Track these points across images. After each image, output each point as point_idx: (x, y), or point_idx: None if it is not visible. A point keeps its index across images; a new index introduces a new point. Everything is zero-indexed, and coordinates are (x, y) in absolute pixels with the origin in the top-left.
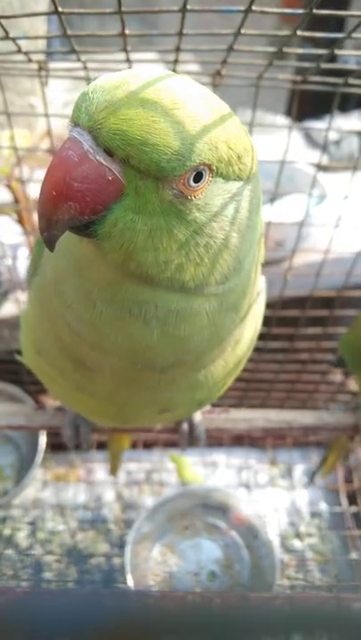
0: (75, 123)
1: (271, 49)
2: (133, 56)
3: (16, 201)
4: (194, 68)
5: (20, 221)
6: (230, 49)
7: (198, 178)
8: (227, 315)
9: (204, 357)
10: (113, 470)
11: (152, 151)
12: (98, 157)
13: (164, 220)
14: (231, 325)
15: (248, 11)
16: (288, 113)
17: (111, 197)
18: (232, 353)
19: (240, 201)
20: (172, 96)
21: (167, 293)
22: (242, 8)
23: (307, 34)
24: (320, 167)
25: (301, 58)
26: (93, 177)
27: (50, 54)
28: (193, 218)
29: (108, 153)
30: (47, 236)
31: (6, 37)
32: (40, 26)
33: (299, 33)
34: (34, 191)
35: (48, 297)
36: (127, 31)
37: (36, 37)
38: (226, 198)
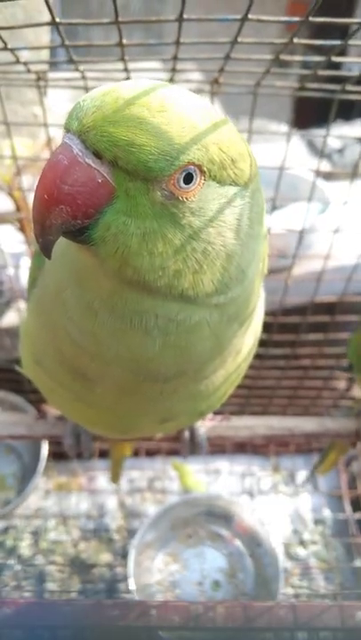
0: (67, 129)
1: (269, 57)
2: (136, 65)
3: (18, 209)
4: (196, 76)
5: (22, 230)
6: (227, 57)
7: (189, 179)
8: (229, 326)
9: (206, 368)
10: (114, 477)
11: (139, 151)
12: (87, 160)
13: (157, 223)
14: (233, 336)
15: (244, 19)
16: (293, 123)
17: (102, 200)
18: (233, 362)
19: (239, 207)
20: (161, 100)
21: (167, 302)
22: (238, 17)
23: (304, 41)
24: (321, 174)
25: (304, 66)
26: (83, 180)
27: (55, 64)
28: (187, 222)
29: (97, 156)
30: (42, 242)
31: (5, 48)
32: (44, 36)
33: (296, 40)
34: None
35: (48, 308)
36: (125, 41)
37: (34, 48)
38: (222, 203)
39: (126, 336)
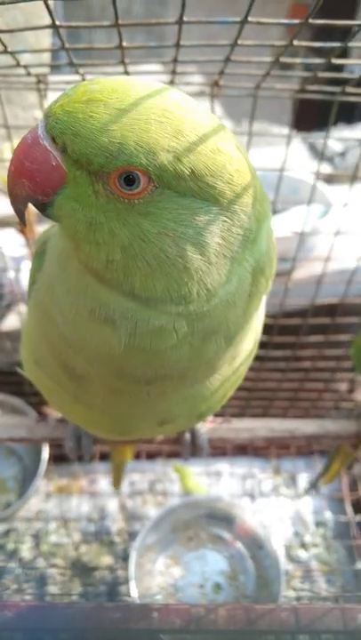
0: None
1: (269, 59)
2: (137, 68)
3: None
4: (197, 79)
5: (23, 233)
6: (227, 59)
7: (131, 181)
8: (207, 339)
9: (193, 374)
10: (116, 483)
11: (81, 142)
12: (45, 142)
13: (103, 216)
14: (219, 350)
15: (244, 22)
16: (293, 125)
17: (56, 182)
18: (229, 367)
19: (206, 224)
20: (123, 98)
21: (123, 299)
22: (238, 19)
23: (303, 43)
24: (322, 177)
25: (306, 68)
26: (40, 160)
27: (56, 67)
28: (136, 222)
29: (54, 140)
30: (15, 210)
31: (5, 51)
32: (45, 40)
33: (296, 42)
34: None
35: (43, 303)
36: (126, 43)
37: (34, 51)
38: (182, 215)
39: (95, 328)
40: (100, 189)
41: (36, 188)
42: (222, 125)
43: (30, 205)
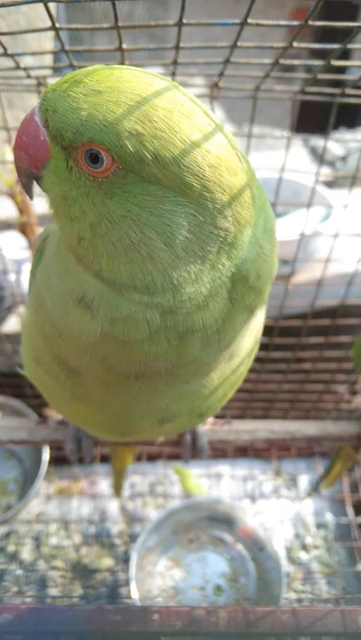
0: None
1: (269, 61)
2: None
3: (20, 213)
4: (199, 81)
5: (24, 234)
6: (227, 61)
7: (95, 159)
8: (187, 339)
9: (181, 373)
10: (117, 489)
11: (56, 118)
12: (37, 118)
13: (75, 191)
14: (207, 349)
15: (244, 23)
16: (295, 128)
17: (43, 156)
18: (227, 365)
19: (171, 214)
20: (102, 81)
21: (95, 280)
22: (237, 21)
23: (303, 45)
24: (323, 181)
25: (308, 70)
26: (33, 134)
27: (57, 70)
28: (102, 201)
29: (43, 117)
30: (21, 183)
31: (5, 54)
32: (47, 44)
33: (295, 44)
34: (38, 205)
35: (40, 293)
36: (126, 46)
37: (34, 53)
38: (147, 200)
39: (75, 311)
40: (72, 165)
41: (30, 160)
42: (213, 121)
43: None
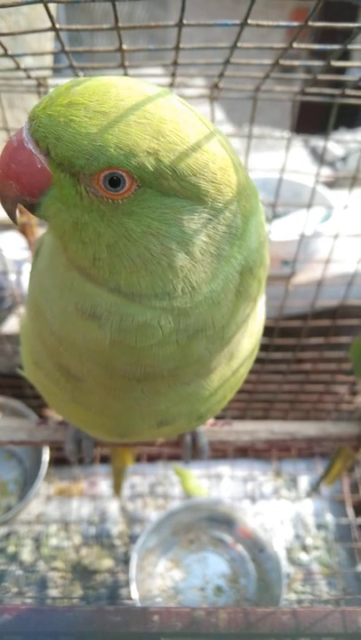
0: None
1: (269, 62)
2: (138, 71)
3: (20, 213)
4: (199, 82)
5: (24, 234)
6: (227, 62)
7: (116, 182)
8: (195, 337)
9: (184, 373)
10: (116, 489)
11: (63, 146)
12: (29, 146)
13: (88, 216)
14: (210, 347)
15: (243, 24)
16: (295, 129)
17: (42, 184)
18: (227, 366)
19: (190, 222)
20: (104, 100)
21: (108, 294)
22: (237, 22)
23: (303, 46)
24: (324, 181)
25: (309, 71)
26: (26, 162)
27: (57, 71)
28: (120, 222)
29: (38, 144)
30: (5, 210)
31: (5, 54)
32: (47, 44)
33: (295, 45)
34: None
35: (36, 300)
36: (126, 47)
37: (34, 54)
38: (166, 214)
39: (81, 323)
40: (83, 191)
41: (22, 189)
42: (205, 121)
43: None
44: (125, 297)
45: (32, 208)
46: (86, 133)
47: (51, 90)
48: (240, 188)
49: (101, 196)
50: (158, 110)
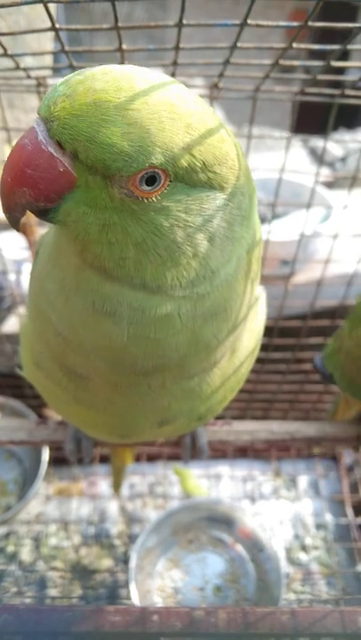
0: (38, 113)
1: (268, 62)
2: None
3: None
4: (198, 82)
5: (24, 234)
6: (227, 62)
7: (152, 181)
8: (207, 322)
9: (191, 363)
10: (116, 487)
11: (98, 149)
12: (49, 149)
13: (117, 216)
14: (218, 334)
15: (243, 24)
16: (294, 129)
17: (63, 188)
18: (229, 363)
19: (212, 210)
20: (131, 96)
21: (130, 290)
22: (237, 22)
23: (302, 46)
24: (323, 182)
25: (308, 71)
26: (45, 166)
27: (57, 71)
28: (150, 219)
29: (60, 145)
30: (9, 218)
31: (5, 54)
32: (48, 44)
33: (295, 45)
34: None
35: (37, 303)
36: (126, 46)
37: (34, 54)
38: (191, 205)
39: (94, 321)
40: (114, 192)
41: (38, 195)
42: (206, 104)
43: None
44: (149, 291)
45: (44, 213)
46: (122, 133)
47: (54, 86)
48: (246, 170)
49: (136, 196)
50: (183, 103)
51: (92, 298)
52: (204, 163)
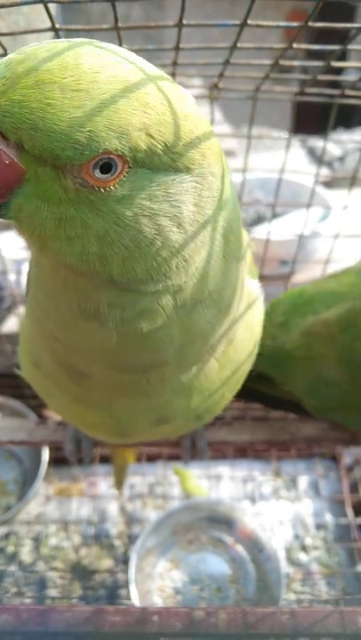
0: None
1: (269, 62)
2: None
3: None
4: (197, 82)
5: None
6: (227, 62)
7: (107, 168)
8: (194, 311)
9: (189, 353)
10: (118, 484)
11: (43, 137)
12: None
13: (74, 209)
14: (211, 319)
15: (243, 24)
16: (293, 129)
17: (11, 182)
18: (225, 354)
19: (179, 194)
20: (79, 75)
21: (103, 287)
22: (237, 22)
23: (303, 46)
24: (322, 182)
25: (306, 71)
26: None
27: None
28: (111, 209)
29: (3, 135)
30: None
31: (5, 54)
32: None
33: (295, 45)
34: None
35: (33, 307)
36: (125, 46)
37: None
38: (156, 191)
39: (84, 325)
40: (68, 183)
41: None
42: (168, 77)
43: None
44: (122, 288)
45: None
46: (70, 118)
47: None
48: (217, 148)
49: (91, 186)
50: (137, 77)
51: (76, 300)
52: (165, 144)
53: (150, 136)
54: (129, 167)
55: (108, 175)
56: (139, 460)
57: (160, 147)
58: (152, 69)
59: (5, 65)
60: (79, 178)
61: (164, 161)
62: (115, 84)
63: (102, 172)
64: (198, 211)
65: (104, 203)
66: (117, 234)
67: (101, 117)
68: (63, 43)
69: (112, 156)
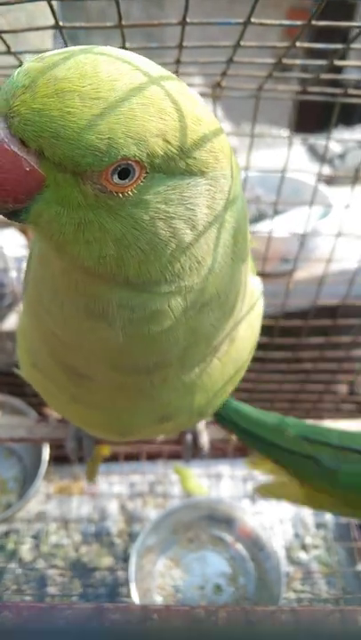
0: None
1: (272, 61)
2: None
3: None
4: (198, 80)
5: (24, 232)
6: (230, 61)
7: (125, 174)
8: (201, 313)
9: (192, 354)
10: (90, 475)
11: (64, 145)
12: (12, 147)
13: (93, 214)
14: (215, 322)
15: (247, 23)
16: (294, 127)
17: (32, 188)
18: (227, 353)
19: (193, 197)
20: (97, 83)
21: (115, 289)
22: (241, 20)
23: (306, 45)
24: (323, 179)
25: (305, 70)
26: (9, 167)
27: None
28: (128, 213)
29: (24, 143)
30: None
31: (8, 52)
32: (48, 40)
33: (298, 44)
34: None
35: (34, 307)
36: (128, 45)
37: (36, 52)
38: (171, 195)
39: (89, 325)
40: (87, 189)
41: (5, 197)
42: (178, 79)
43: None
44: (135, 289)
45: (14, 215)
46: (90, 126)
47: (12, 76)
48: (228, 150)
49: (110, 191)
50: (153, 84)
51: (84, 301)
52: (181, 149)
53: (167, 142)
54: (146, 172)
55: (126, 181)
56: (139, 458)
57: (176, 152)
58: (164, 73)
59: (24, 73)
60: (98, 184)
61: (179, 165)
62: (132, 92)
63: (120, 178)
64: (211, 213)
65: (122, 207)
66: (134, 237)
67: (120, 125)
68: (81, 49)
69: (130, 162)
